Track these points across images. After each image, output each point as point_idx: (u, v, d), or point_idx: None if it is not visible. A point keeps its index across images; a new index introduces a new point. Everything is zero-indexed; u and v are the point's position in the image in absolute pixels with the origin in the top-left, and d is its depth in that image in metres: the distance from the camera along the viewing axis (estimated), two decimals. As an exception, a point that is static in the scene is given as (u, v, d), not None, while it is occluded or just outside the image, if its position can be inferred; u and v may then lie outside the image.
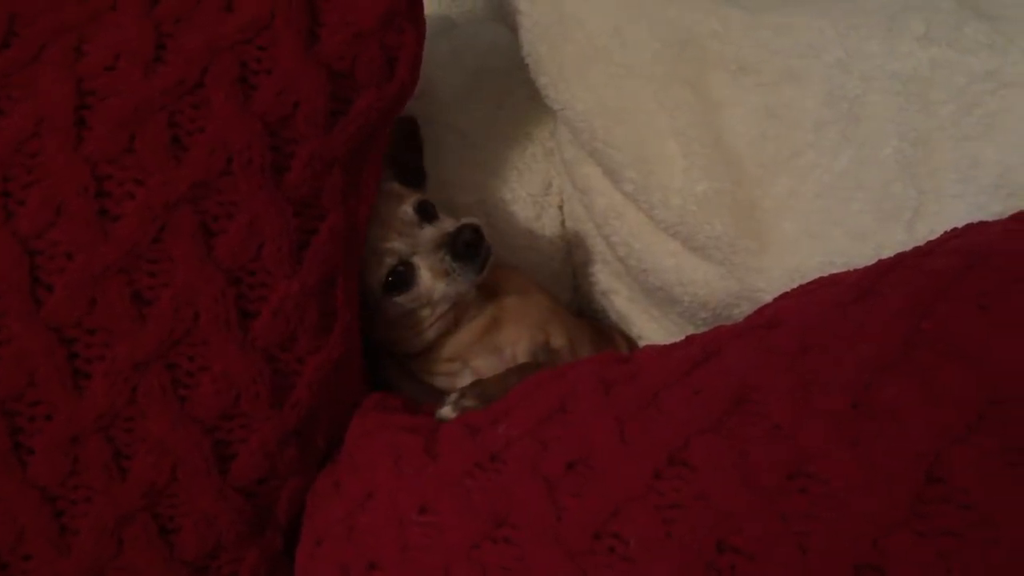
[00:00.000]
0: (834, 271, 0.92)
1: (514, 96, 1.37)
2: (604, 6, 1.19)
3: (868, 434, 0.70)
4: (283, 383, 0.96)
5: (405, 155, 1.25)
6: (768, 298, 0.96)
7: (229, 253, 0.93)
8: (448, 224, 1.18)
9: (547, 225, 1.39)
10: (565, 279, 1.44)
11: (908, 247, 0.88)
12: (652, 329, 1.31)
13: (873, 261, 0.88)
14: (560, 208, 1.40)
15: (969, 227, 0.87)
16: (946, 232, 0.89)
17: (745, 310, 1.11)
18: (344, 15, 1.00)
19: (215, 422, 0.93)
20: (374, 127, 1.05)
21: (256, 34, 0.96)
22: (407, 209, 1.18)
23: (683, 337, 0.95)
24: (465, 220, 1.17)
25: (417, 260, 1.17)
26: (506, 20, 1.35)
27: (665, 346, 0.94)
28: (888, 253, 0.88)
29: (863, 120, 1.04)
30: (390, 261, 1.16)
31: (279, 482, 0.98)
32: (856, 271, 0.88)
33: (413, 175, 1.26)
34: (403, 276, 1.16)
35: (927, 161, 1.01)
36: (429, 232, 1.18)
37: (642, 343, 1.33)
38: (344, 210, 1.01)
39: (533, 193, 1.38)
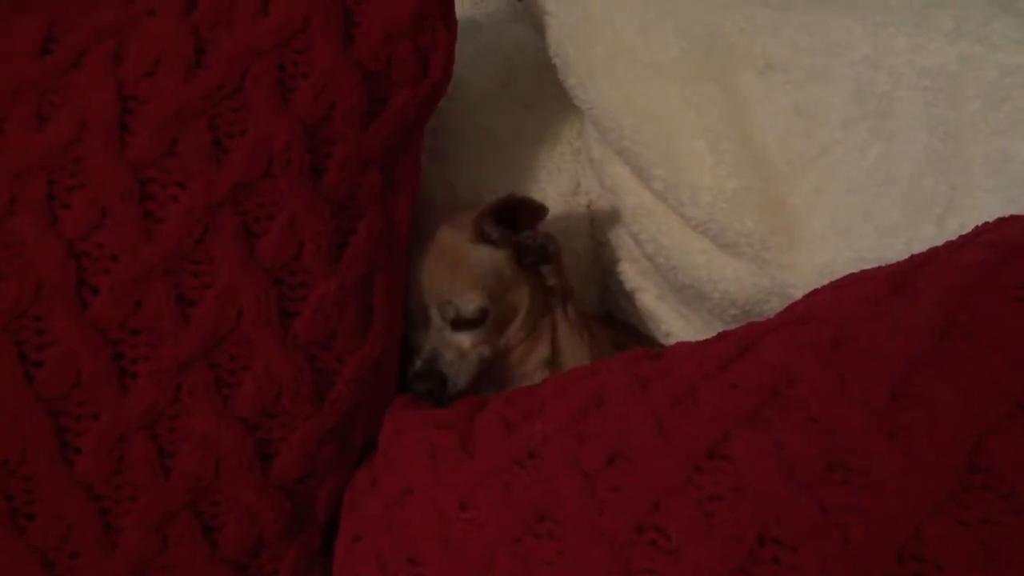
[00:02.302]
0: (865, 267, 0.91)
1: (541, 96, 1.37)
2: (630, 5, 1.19)
3: (907, 425, 0.71)
4: (323, 381, 0.97)
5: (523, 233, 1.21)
6: (798, 294, 0.97)
7: (270, 253, 0.94)
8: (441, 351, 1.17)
9: (576, 225, 1.40)
10: (594, 278, 1.44)
11: (939, 242, 0.88)
12: (681, 327, 1.31)
13: (904, 256, 0.88)
14: (589, 207, 1.40)
15: (1001, 221, 0.87)
16: (977, 226, 0.88)
17: (775, 306, 1.11)
18: (377, 16, 1.00)
19: (257, 420, 0.93)
20: (409, 126, 1.05)
21: (293, 37, 0.97)
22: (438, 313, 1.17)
23: (713, 334, 0.95)
24: (424, 363, 1.15)
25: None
26: (531, 21, 1.36)
27: (698, 342, 0.94)
28: (919, 248, 0.88)
29: (892, 116, 1.05)
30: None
31: (318, 480, 0.99)
32: (888, 266, 0.88)
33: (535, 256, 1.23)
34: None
35: (958, 156, 1.01)
36: (427, 344, 1.17)
37: (671, 340, 1.33)
38: (381, 210, 1.02)
39: (562, 192, 1.37)
